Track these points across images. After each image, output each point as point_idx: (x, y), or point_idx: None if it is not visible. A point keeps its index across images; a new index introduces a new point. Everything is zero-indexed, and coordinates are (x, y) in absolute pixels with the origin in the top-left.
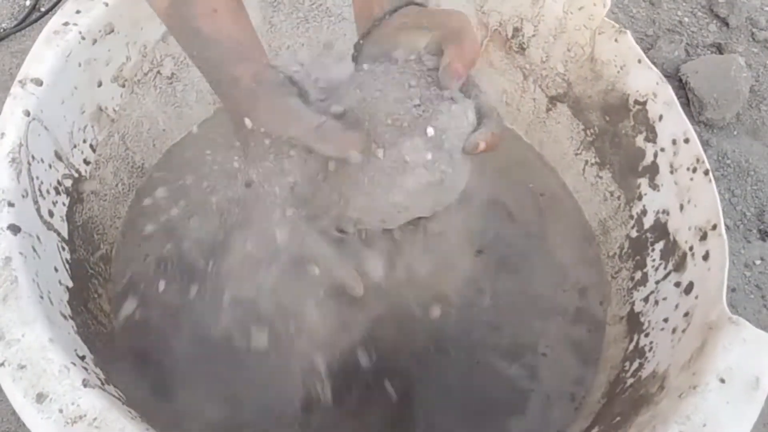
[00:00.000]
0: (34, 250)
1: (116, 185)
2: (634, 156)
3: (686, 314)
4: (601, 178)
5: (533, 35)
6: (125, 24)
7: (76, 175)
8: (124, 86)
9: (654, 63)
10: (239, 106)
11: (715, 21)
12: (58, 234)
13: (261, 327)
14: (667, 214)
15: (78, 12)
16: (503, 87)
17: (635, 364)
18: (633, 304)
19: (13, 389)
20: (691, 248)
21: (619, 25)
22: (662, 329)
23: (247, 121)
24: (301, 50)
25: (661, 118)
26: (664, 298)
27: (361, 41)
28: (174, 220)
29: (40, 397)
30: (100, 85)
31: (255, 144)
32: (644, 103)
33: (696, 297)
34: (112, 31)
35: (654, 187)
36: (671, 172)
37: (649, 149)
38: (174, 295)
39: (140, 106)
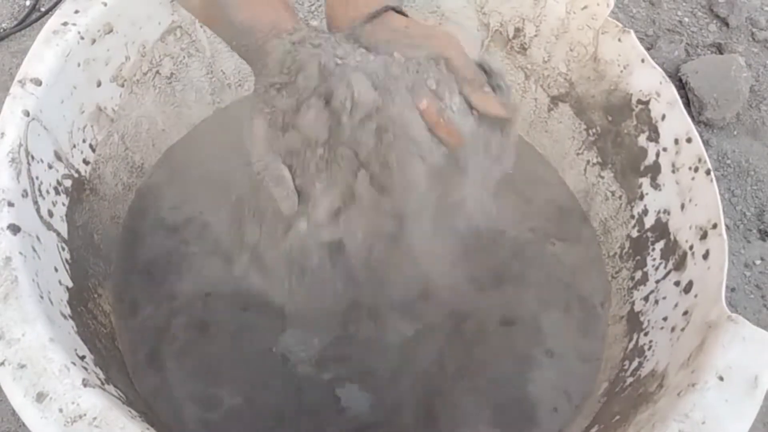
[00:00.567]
0: (34, 250)
1: (116, 185)
2: (636, 156)
3: (685, 313)
4: (602, 177)
5: (535, 35)
6: (124, 24)
7: (76, 175)
8: (123, 86)
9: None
10: None
11: (715, 21)
12: (58, 234)
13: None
14: (668, 213)
15: (77, 12)
16: None
17: (635, 363)
18: (633, 303)
19: (13, 388)
20: (691, 247)
21: (622, 25)
22: (662, 328)
23: None
24: None
25: (663, 117)
26: (664, 297)
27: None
28: (174, 220)
29: (40, 397)
30: (99, 84)
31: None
32: (647, 103)
33: (695, 296)
34: (111, 30)
35: (655, 186)
36: (673, 172)
37: (651, 149)
38: (175, 292)
39: (139, 105)
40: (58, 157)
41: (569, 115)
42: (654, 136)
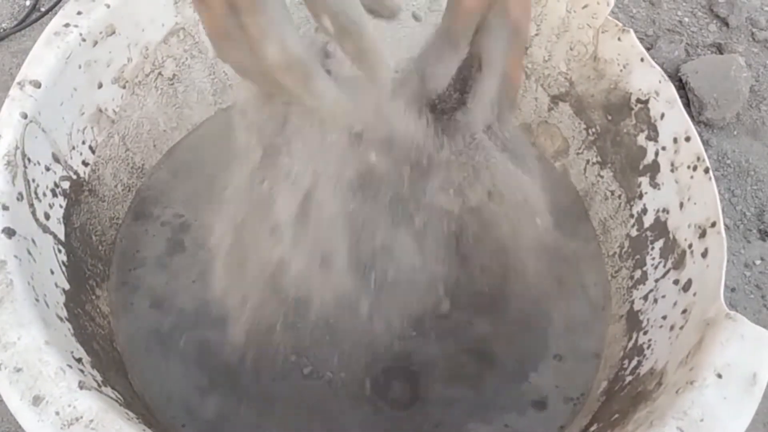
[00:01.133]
0: (30, 253)
1: (115, 186)
2: (636, 155)
3: (684, 311)
4: (602, 177)
5: (536, 34)
6: (127, 25)
7: (74, 176)
8: (124, 87)
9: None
10: None
11: (715, 21)
12: (55, 236)
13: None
14: (667, 212)
15: (79, 13)
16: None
17: (634, 362)
18: (632, 302)
19: (9, 392)
20: (690, 246)
21: (621, 24)
22: (661, 327)
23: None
24: None
25: (662, 116)
26: (663, 296)
27: None
28: (175, 221)
29: (37, 400)
30: (100, 86)
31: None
32: (646, 102)
33: (694, 294)
34: (114, 32)
35: (655, 185)
36: (672, 171)
37: (651, 148)
38: (175, 293)
39: (141, 107)
40: (56, 159)
41: (569, 115)
42: (653, 135)
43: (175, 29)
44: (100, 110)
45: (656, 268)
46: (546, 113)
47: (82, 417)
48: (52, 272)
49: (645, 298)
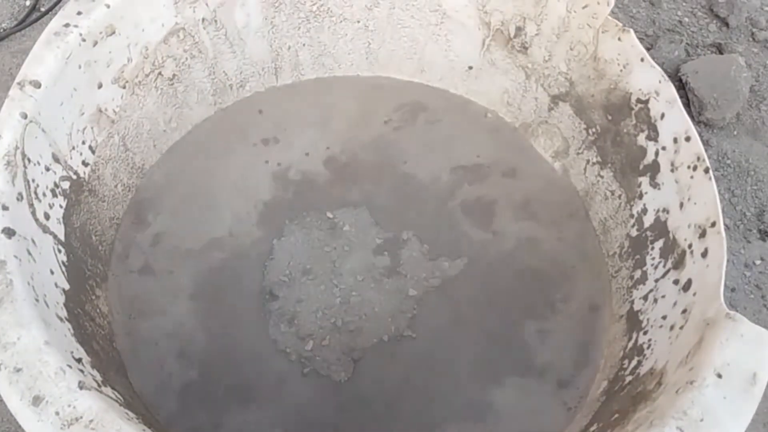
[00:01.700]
0: (29, 253)
1: (115, 186)
2: (636, 155)
3: (684, 311)
4: (602, 177)
5: (536, 34)
6: (127, 26)
7: (74, 176)
8: (124, 87)
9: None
10: None
11: (715, 21)
12: (55, 237)
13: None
14: (667, 212)
15: (79, 13)
16: (505, 86)
17: (634, 362)
18: (632, 302)
19: (9, 392)
20: (690, 246)
21: (622, 24)
22: (661, 326)
23: None
24: (303, 50)
25: (662, 116)
26: (663, 296)
27: None
28: (174, 220)
29: (37, 400)
30: (100, 86)
31: None
32: (646, 102)
33: (694, 294)
34: (114, 32)
35: (655, 185)
36: (672, 171)
37: (651, 148)
38: (174, 291)
39: (141, 107)
40: (56, 159)
41: (569, 115)
42: (653, 135)
43: (175, 29)
44: (100, 110)
45: (656, 268)
46: (546, 113)
47: (82, 417)
48: (52, 272)
49: (645, 298)
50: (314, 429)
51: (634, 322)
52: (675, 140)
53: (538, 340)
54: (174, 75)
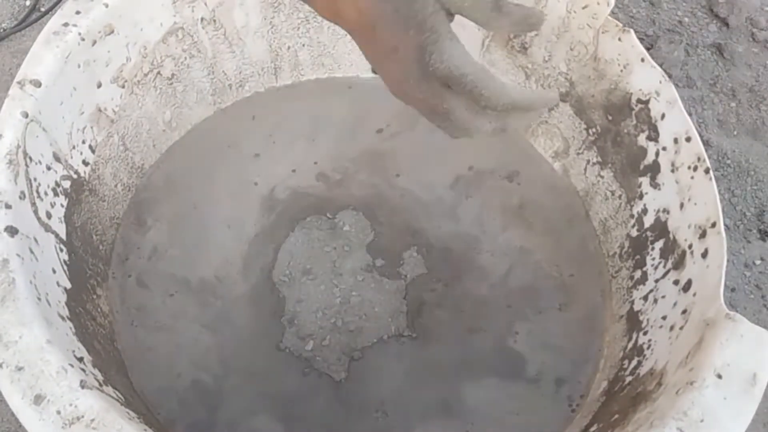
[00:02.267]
0: (32, 251)
1: (115, 186)
2: (636, 155)
3: (684, 311)
4: (602, 177)
5: (536, 35)
6: (125, 25)
7: (75, 176)
8: (123, 87)
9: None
10: None
11: (715, 21)
12: (56, 235)
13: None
14: (668, 212)
15: (78, 13)
16: None
17: (634, 362)
18: (632, 302)
19: (10, 391)
20: (690, 246)
21: (622, 24)
22: (661, 327)
23: None
24: (302, 50)
25: (663, 116)
26: (663, 296)
27: None
28: (174, 220)
29: (38, 399)
30: (99, 86)
31: None
32: (647, 102)
33: (694, 294)
34: (112, 32)
35: (655, 186)
36: (672, 171)
37: (651, 148)
38: (174, 290)
39: (140, 106)
40: (57, 159)
41: (569, 115)
42: (653, 135)
43: (173, 29)
44: (100, 110)
45: (656, 268)
46: (546, 113)
47: (83, 416)
48: (54, 271)
49: (645, 298)
50: (314, 428)
51: (634, 322)
52: (675, 140)
53: (538, 340)
54: (173, 75)
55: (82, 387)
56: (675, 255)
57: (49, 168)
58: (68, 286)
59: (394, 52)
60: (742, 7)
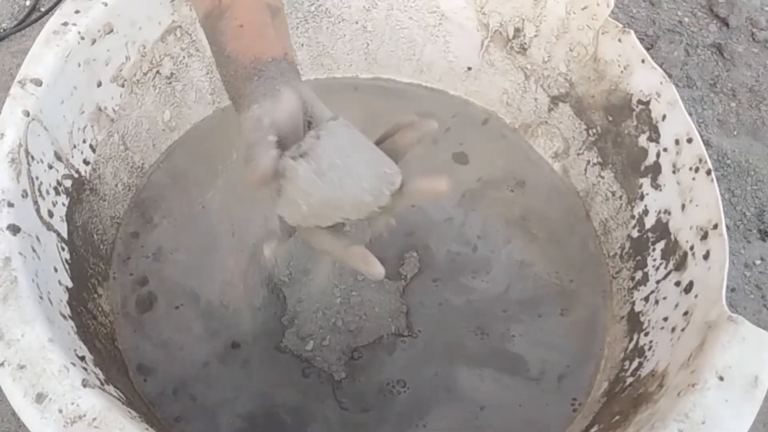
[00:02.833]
0: (34, 250)
1: (116, 185)
2: (637, 156)
3: (686, 313)
4: (602, 178)
5: (535, 35)
6: (124, 24)
7: (76, 175)
8: (123, 86)
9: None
10: (244, 131)
11: (715, 21)
12: (58, 234)
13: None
14: (669, 213)
15: (77, 12)
16: (504, 87)
17: (635, 363)
18: (633, 303)
19: (12, 389)
20: (692, 248)
21: (622, 25)
22: (662, 328)
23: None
24: (301, 50)
25: (664, 117)
26: (665, 298)
27: None
28: (174, 220)
29: (40, 397)
30: (99, 85)
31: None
32: (647, 103)
33: (696, 296)
34: (112, 31)
35: (656, 187)
36: (674, 172)
37: (652, 149)
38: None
39: (140, 106)
40: (58, 158)
41: (569, 116)
42: (654, 136)
43: (172, 27)
44: (100, 109)
45: (657, 269)
46: (546, 114)
47: (85, 415)
48: (56, 270)
49: (646, 299)
50: (315, 427)
51: (635, 323)
52: (677, 142)
53: (538, 340)
54: (172, 74)
55: (84, 386)
56: (676, 256)
57: (50, 167)
58: (70, 284)
59: None
60: (742, 7)
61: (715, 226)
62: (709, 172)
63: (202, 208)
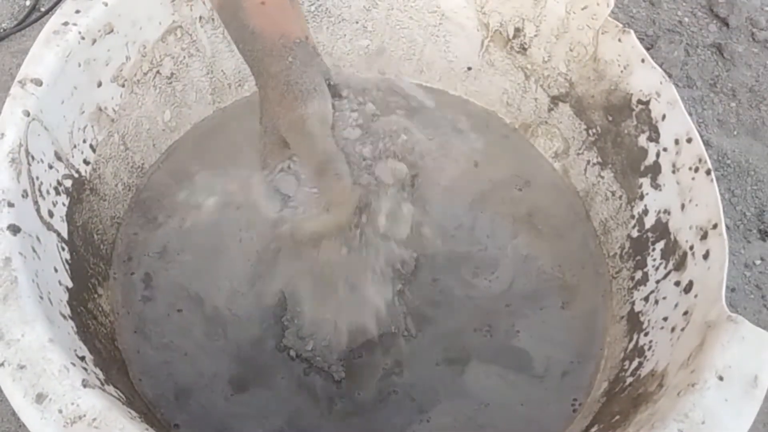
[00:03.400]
0: (34, 250)
1: (116, 185)
2: (637, 156)
3: (686, 313)
4: (602, 177)
5: (535, 35)
6: (125, 24)
7: (76, 175)
8: (123, 86)
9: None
10: (270, 105)
11: (715, 21)
12: (58, 234)
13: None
14: (669, 213)
15: (77, 12)
16: (504, 87)
17: (635, 363)
18: (633, 303)
19: (12, 389)
20: (691, 247)
21: (622, 25)
22: (662, 328)
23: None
24: None
25: (664, 117)
26: (664, 298)
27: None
28: (174, 220)
29: (40, 398)
30: (99, 85)
31: (270, 145)
32: (647, 103)
33: (695, 296)
34: (112, 31)
35: (656, 186)
36: (673, 172)
37: (652, 149)
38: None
39: (140, 105)
40: (59, 158)
41: (569, 115)
42: (654, 136)
43: (172, 27)
44: (100, 109)
45: (657, 269)
46: (546, 114)
47: (85, 415)
48: (56, 270)
49: (646, 299)
50: (315, 427)
51: (634, 323)
52: (676, 141)
53: (538, 339)
54: (172, 74)
55: (84, 386)
56: (676, 256)
57: (50, 167)
58: (70, 285)
59: None
60: (742, 7)
61: (715, 226)
62: (708, 172)
63: (203, 209)
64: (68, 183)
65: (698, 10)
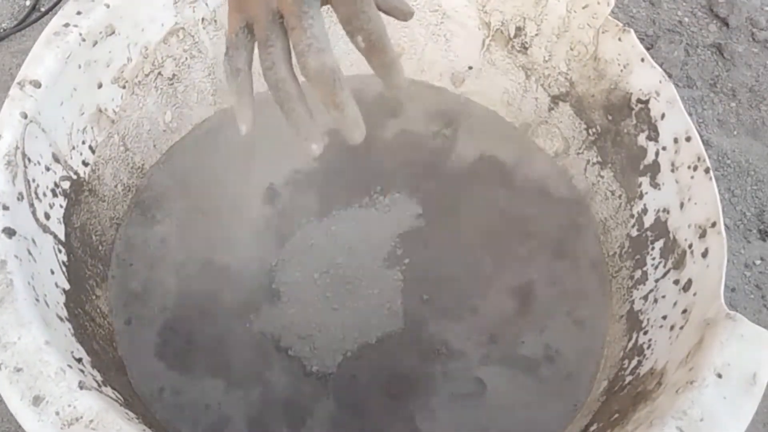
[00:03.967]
0: (30, 253)
1: (115, 186)
2: (636, 155)
3: (684, 311)
4: (602, 177)
5: (536, 34)
6: (126, 25)
7: (75, 176)
8: (124, 87)
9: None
10: None
11: (715, 21)
12: (55, 236)
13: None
14: (668, 212)
15: (79, 13)
16: (505, 86)
17: (634, 362)
18: (632, 302)
19: (9, 392)
20: (690, 246)
21: (622, 24)
22: (661, 326)
23: None
24: None
25: (663, 116)
26: (663, 296)
27: None
28: (175, 221)
29: (37, 400)
30: (100, 86)
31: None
32: (647, 102)
33: (694, 294)
34: (113, 32)
35: (655, 185)
36: (672, 171)
37: (651, 148)
38: (175, 288)
39: (141, 107)
40: (56, 159)
41: (569, 115)
42: (653, 135)
43: (174, 29)
44: (100, 110)
45: (656, 268)
46: (546, 113)
47: (82, 417)
48: (53, 272)
49: (645, 298)
50: (316, 427)
51: (634, 322)
52: (675, 140)
53: (537, 339)
54: (174, 75)
55: (81, 388)
56: (675, 255)
57: (48, 169)
58: (67, 287)
59: None
60: (742, 7)
61: (714, 224)
62: (707, 171)
63: (203, 209)
64: (66, 185)
65: (698, 10)
